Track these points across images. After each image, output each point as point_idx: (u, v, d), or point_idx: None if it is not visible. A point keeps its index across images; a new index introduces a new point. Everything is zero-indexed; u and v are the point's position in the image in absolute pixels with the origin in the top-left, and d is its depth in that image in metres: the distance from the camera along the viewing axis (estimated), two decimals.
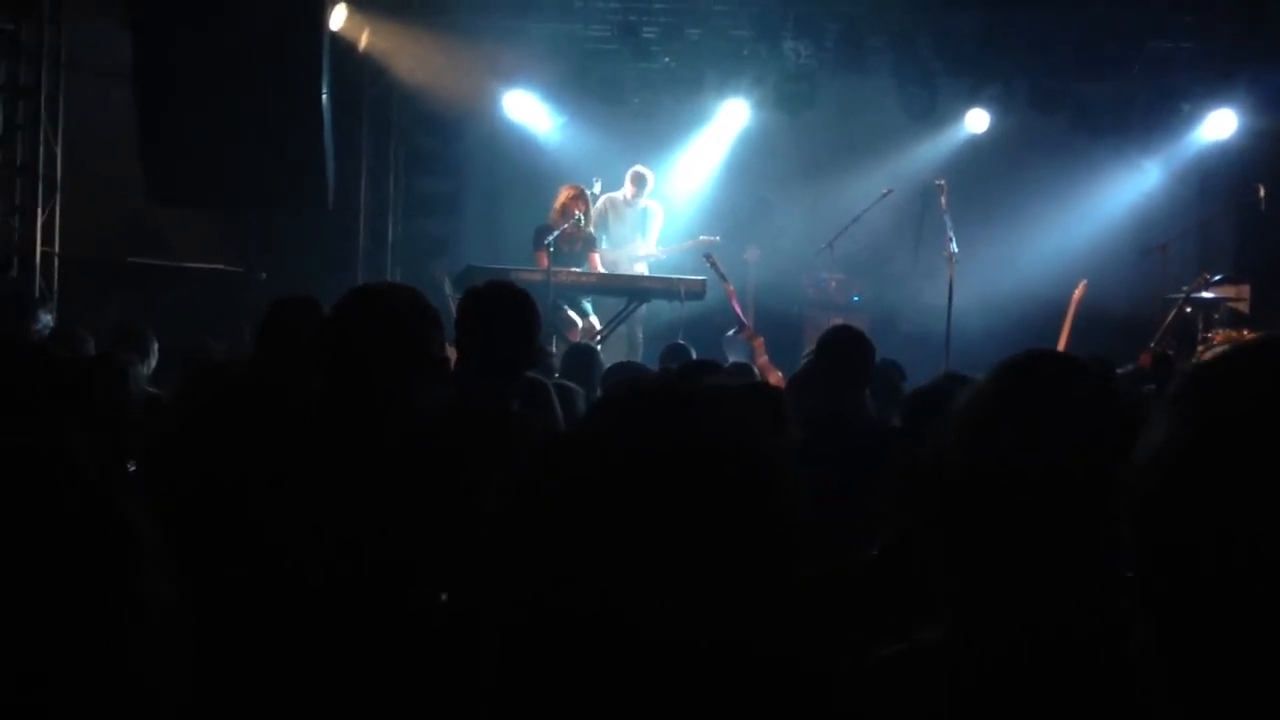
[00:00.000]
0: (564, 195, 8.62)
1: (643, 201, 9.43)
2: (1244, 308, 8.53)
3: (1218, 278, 8.49)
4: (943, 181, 8.65)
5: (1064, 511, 1.43)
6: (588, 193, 8.69)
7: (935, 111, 10.03)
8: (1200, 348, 7.98)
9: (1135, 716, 1.22)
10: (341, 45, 8.67)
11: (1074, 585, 1.43)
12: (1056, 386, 1.49)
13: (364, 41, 9.13)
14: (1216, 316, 8.47)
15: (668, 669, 1.20)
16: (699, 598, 1.23)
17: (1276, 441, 0.66)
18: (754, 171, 10.51)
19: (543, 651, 1.22)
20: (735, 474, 1.27)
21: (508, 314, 2.99)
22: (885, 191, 9.21)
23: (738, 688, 1.24)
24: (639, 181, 9.35)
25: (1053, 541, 1.43)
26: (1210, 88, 9.66)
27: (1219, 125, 9.73)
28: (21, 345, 3.83)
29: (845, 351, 4.00)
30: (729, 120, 10.32)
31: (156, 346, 5.30)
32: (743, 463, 1.28)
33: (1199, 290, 8.29)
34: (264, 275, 7.86)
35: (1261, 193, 8.71)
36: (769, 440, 1.35)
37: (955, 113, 10.12)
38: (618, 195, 9.38)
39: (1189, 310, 8.35)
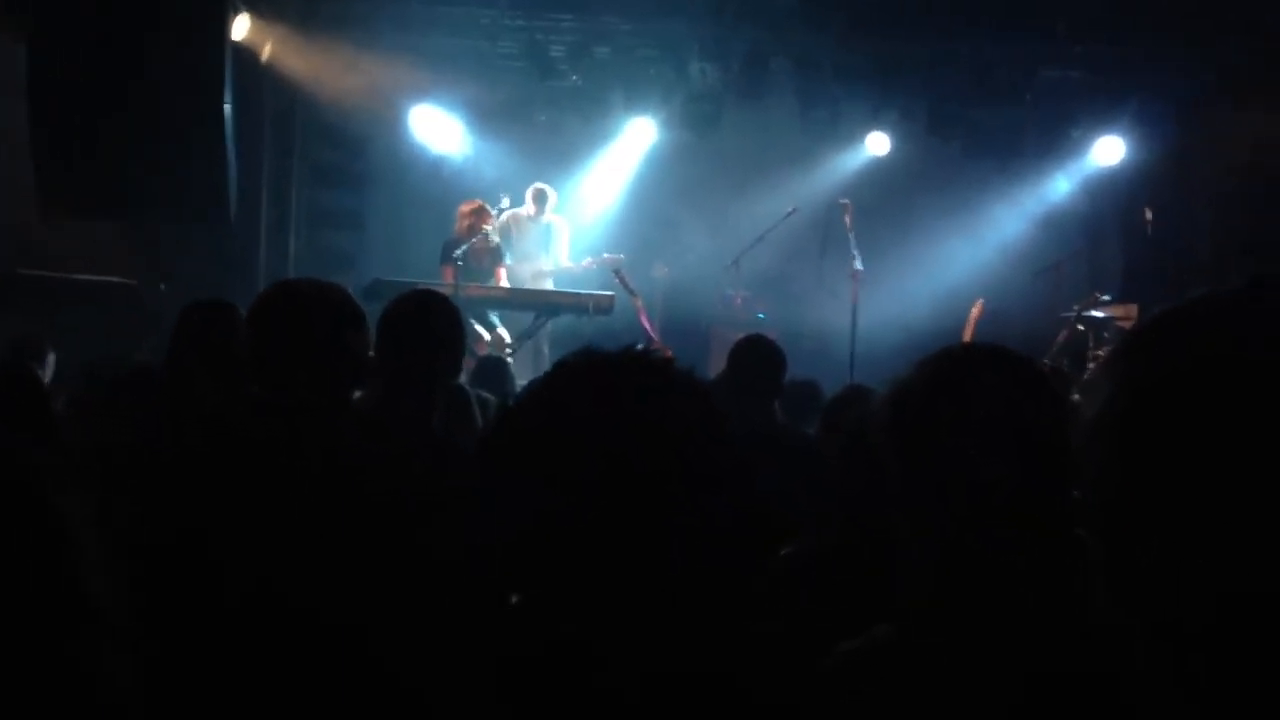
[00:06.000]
0: (467, 212, 8.60)
1: (546, 217, 9.44)
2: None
3: (1107, 298, 8.78)
4: (847, 201, 8.80)
5: (1016, 502, 1.41)
6: (488, 208, 8.68)
7: (837, 133, 10.23)
8: (1091, 365, 8.23)
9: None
10: (244, 57, 8.51)
11: (1034, 580, 1.40)
12: (989, 376, 1.47)
13: (267, 53, 8.98)
14: (1106, 335, 8.75)
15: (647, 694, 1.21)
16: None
17: (1212, 396, 0.69)
18: (661, 190, 10.58)
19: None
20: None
21: (436, 323, 2.97)
22: (790, 210, 9.36)
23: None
24: (539, 199, 9.39)
25: (1004, 535, 1.42)
26: (1098, 116, 10.03)
27: (1107, 152, 10.10)
28: None
29: (755, 362, 4.04)
30: (636, 139, 10.39)
31: (54, 358, 5.14)
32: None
33: (1090, 309, 8.55)
34: (162, 286, 7.65)
35: (1149, 216, 9.04)
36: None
37: (857, 135, 10.33)
38: (521, 211, 9.39)
39: (1081, 328, 8.62)
